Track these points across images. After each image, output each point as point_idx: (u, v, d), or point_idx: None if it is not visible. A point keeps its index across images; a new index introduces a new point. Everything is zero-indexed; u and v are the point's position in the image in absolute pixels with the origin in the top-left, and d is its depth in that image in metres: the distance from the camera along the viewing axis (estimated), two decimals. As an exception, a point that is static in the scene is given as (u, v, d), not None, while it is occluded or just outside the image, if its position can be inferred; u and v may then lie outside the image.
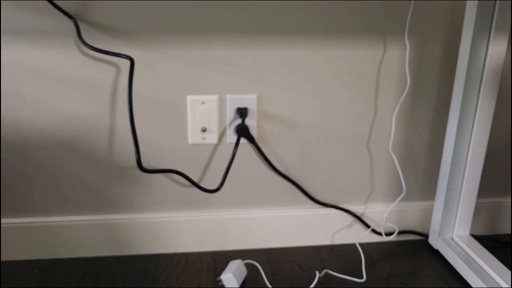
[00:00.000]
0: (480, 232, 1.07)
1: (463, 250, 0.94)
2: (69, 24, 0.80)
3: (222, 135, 0.91)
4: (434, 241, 0.99)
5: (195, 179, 0.93)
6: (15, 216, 0.91)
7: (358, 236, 1.02)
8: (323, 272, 0.91)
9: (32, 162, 0.88)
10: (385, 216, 0.97)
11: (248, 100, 0.89)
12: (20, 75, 0.82)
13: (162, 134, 0.89)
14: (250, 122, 0.90)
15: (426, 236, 1.04)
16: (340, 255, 0.98)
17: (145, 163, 0.90)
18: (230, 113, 0.89)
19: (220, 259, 0.95)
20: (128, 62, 0.82)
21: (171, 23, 0.82)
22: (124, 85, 0.85)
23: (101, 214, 0.93)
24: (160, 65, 0.84)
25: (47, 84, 0.83)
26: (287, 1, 0.83)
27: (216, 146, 0.91)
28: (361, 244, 1.01)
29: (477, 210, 1.03)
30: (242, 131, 0.88)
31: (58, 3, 0.78)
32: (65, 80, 0.83)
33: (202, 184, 0.94)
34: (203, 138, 0.90)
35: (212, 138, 0.90)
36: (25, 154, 0.87)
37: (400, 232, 1.02)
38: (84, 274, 0.89)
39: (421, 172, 1.01)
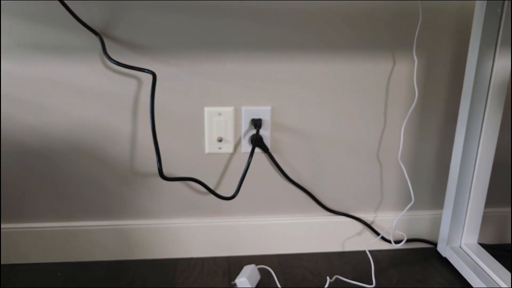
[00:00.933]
0: (488, 241, 1.09)
1: (471, 258, 0.96)
2: (95, 40, 0.85)
3: (237, 145, 0.95)
4: (443, 249, 1.01)
5: (211, 187, 0.97)
6: (39, 221, 0.96)
7: (368, 243, 1.05)
8: (333, 278, 0.94)
9: (56, 169, 0.92)
10: (394, 224, 1.00)
11: (263, 112, 0.93)
12: (47, 87, 0.87)
13: (180, 144, 0.93)
14: (264, 132, 0.94)
15: (434, 244, 1.06)
16: (351, 262, 1.00)
17: (164, 171, 0.94)
18: (245, 124, 0.93)
19: (235, 264, 0.99)
20: (150, 76, 0.87)
21: (190, 39, 0.87)
22: (145, 97, 0.89)
23: (121, 219, 0.98)
24: (179, 78, 0.89)
25: (73, 96, 0.88)
26: (301, 20, 0.87)
27: (232, 155, 0.95)
28: (371, 251, 1.04)
29: (485, 219, 1.05)
30: (257, 141, 0.92)
31: (85, 20, 0.83)
32: (90, 92, 0.88)
33: (218, 192, 0.97)
34: (219, 148, 0.94)
35: (227, 147, 0.94)
36: (50, 161, 0.92)
37: (409, 240, 1.05)
38: (106, 277, 0.93)
39: (430, 181, 1.03)
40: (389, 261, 1.01)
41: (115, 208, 0.97)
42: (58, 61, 0.85)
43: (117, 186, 0.95)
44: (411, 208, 1.04)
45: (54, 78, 0.86)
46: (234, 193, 0.90)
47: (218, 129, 0.93)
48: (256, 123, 0.92)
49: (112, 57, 0.85)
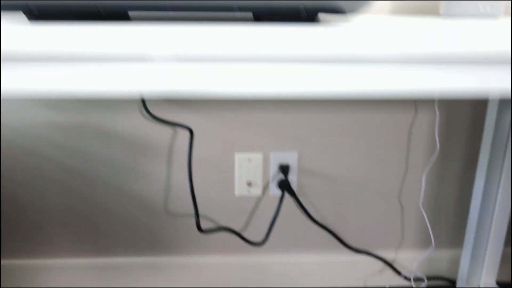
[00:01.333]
0: (506, 279, 1.12)
1: (489, 298, 1.00)
2: (135, 93, 0.91)
3: (265, 188, 1.00)
4: (462, 288, 1.05)
5: (241, 227, 1.02)
6: (75, 257, 1.03)
7: (389, 281, 1.09)
8: (356, 316, 0.98)
9: (95, 208, 0.99)
10: (415, 267, 1.03)
11: (289, 157, 0.98)
12: (89, 134, 0.93)
13: (212, 186, 0.99)
14: (291, 177, 0.99)
15: (453, 281, 1.10)
16: (372, 299, 1.05)
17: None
18: (273, 168, 0.98)
19: (262, 300, 1.04)
20: (187, 131, 0.93)
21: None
22: (179, 144, 0.95)
23: (153, 256, 1.04)
24: (212, 127, 0.95)
25: (112, 141, 0.94)
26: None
27: (260, 198, 1.01)
28: (391, 288, 1.08)
29: (504, 257, 1.08)
30: (285, 188, 0.97)
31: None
32: (129, 139, 0.94)
33: (247, 231, 1.03)
34: (249, 191, 0.99)
35: (256, 190, 0.99)
36: (88, 200, 0.98)
37: (429, 278, 1.09)
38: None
39: (449, 222, 1.07)
40: (409, 298, 1.05)
41: (147, 245, 1.03)
42: (100, 111, 0.92)
43: (151, 225, 1.01)
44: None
45: (95, 127, 0.93)
46: (264, 239, 0.95)
47: (248, 173, 0.98)
48: (284, 169, 0.97)
49: (149, 106, 0.91)
